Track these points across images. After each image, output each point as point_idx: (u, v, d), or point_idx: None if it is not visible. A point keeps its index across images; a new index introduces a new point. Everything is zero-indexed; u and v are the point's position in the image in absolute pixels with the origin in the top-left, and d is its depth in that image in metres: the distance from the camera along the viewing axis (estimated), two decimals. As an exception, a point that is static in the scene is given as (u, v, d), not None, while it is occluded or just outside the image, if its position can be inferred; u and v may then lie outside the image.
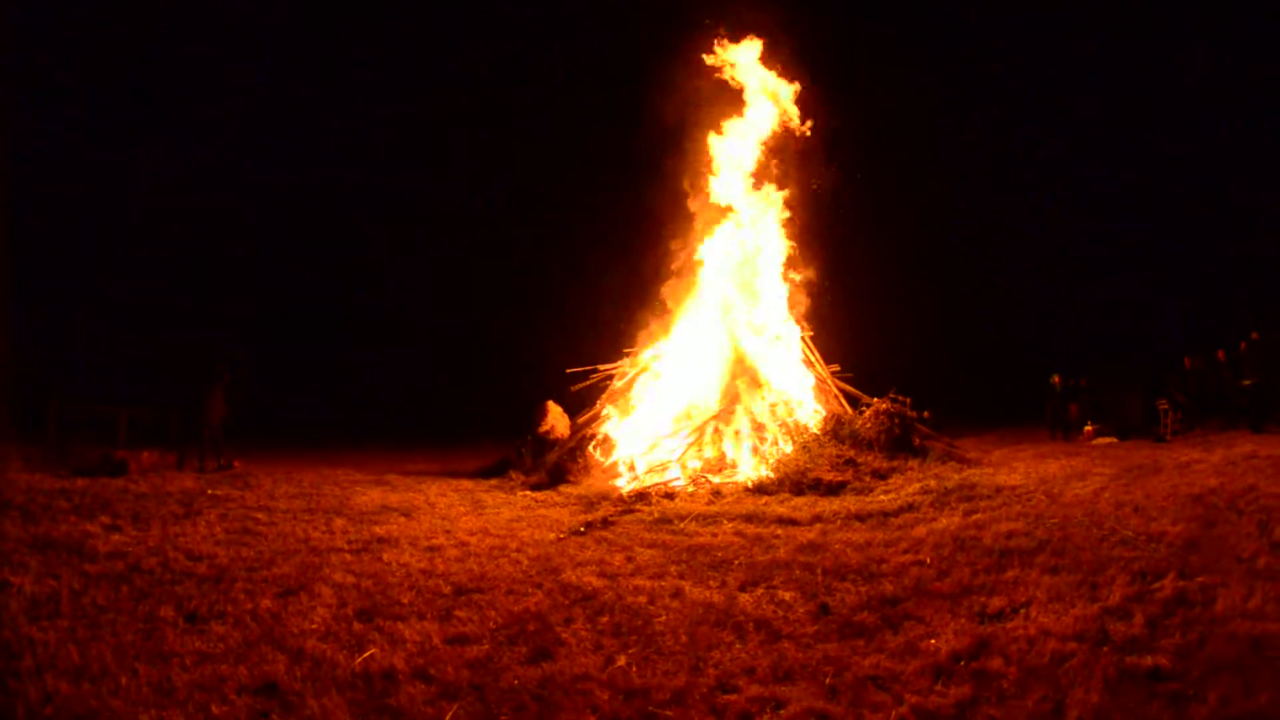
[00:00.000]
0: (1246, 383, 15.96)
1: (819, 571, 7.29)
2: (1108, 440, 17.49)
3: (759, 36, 17.19)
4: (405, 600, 6.63)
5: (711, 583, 7.11)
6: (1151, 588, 6.27)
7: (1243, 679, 4.62)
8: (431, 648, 5.59)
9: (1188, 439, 16.07)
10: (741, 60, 17.16)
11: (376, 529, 9.37)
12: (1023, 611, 5.99)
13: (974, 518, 9.16)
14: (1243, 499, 8.98)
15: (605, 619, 6.19)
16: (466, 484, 13.55)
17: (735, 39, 17.21)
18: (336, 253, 32.23)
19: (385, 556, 8.05)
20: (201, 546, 8.25)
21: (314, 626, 5.96)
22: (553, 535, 9.28)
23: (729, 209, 16.99)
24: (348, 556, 8.05)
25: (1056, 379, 20.42)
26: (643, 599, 6.60)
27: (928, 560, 7.49)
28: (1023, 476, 12.01)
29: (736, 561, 7.77)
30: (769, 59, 17.19)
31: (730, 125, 17.11)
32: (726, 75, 17.11)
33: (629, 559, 7.97)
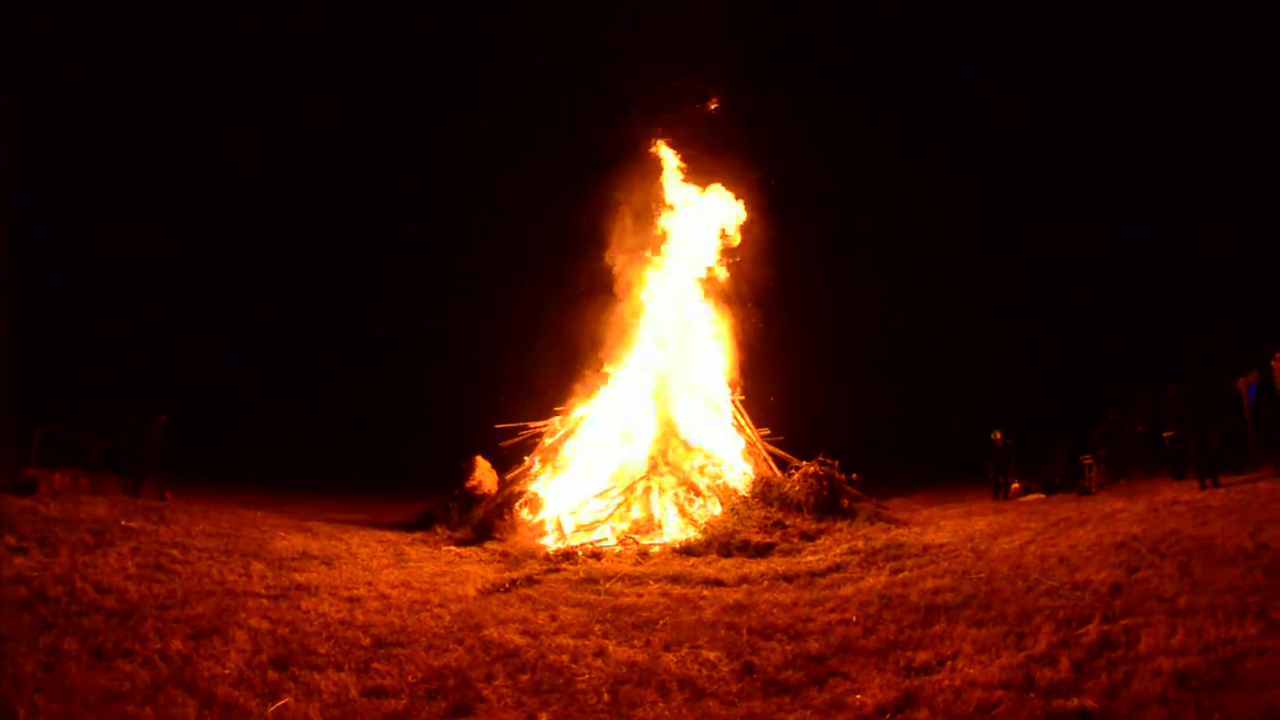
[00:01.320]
0: (1167, 434, 16.34)
1: (744, 631, 7.20)
2: (1035, 496, 17.71)
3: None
4: (322, 650, 6.36)
5: (636, 642, 6.96)
6: (1077, 633, 6.31)
7: (1168, 710, 4.65)
8: (348, 699, 5.38)
9: (1113, 490, 16.37)
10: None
11: (296, 575, 9.01)
12: (949, 664, 5.95)
13: (901, 576, 9.17)
14: (1164, 543, 9.15)
15: (526, 676, 6.02)
16: (390, 535, 13.17)
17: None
18: (269, 301, 31.80)
19: (303, 604, 7.73)
20: (112, 579, 7.82)
21: (226, 672, 5.71)
22: (476, 591, 9.04)
23: (664, 275, 17.16)
24: (265, 602, 7.71)
25: (998, 435, 20.03)
26: (565, 657, 6.42)
27: (854, 618, 7.43)
28: (950, 534, 12.08)
29: (661, 622, 7.64)
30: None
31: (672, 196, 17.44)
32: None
33: (553, 617, 7.78)
